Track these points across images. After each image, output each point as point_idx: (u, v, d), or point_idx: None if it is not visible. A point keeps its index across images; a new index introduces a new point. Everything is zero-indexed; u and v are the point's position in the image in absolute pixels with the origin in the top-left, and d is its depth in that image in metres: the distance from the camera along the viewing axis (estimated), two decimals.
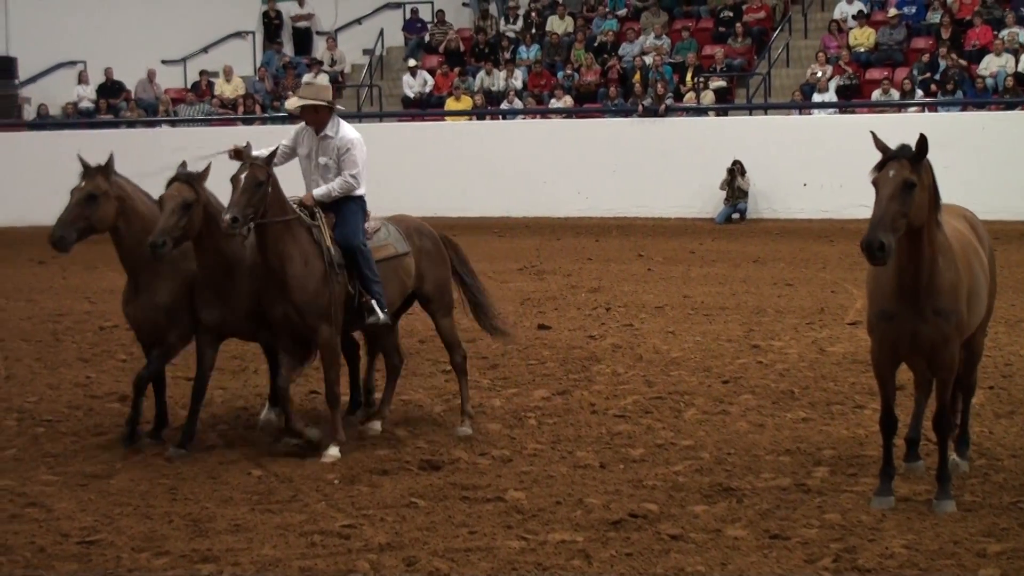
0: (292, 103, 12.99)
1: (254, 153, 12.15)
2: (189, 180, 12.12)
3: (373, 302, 12.46)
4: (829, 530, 9.92)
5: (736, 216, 31.65)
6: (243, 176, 11.77)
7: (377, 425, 13.12)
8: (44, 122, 36.89)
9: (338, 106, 12.91)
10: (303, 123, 12.81)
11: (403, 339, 17.47)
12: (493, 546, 9.67)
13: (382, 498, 10.95)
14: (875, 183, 9.88)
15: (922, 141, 9.90)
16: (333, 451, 12.22)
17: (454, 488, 11.15)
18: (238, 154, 12.26)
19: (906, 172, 9.79)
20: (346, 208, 12.58)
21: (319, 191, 12.49)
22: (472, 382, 15.18)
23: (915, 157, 9.85)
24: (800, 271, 23.41)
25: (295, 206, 12.27)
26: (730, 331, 17.96)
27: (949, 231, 10.37)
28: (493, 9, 39.63)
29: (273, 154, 12.21)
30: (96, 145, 34.08)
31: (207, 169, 12.45)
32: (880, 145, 10.04)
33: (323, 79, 12.75)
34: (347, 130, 12.74)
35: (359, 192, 12.71)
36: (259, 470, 11.83)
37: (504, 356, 16.63)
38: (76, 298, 22.29)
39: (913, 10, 34.64)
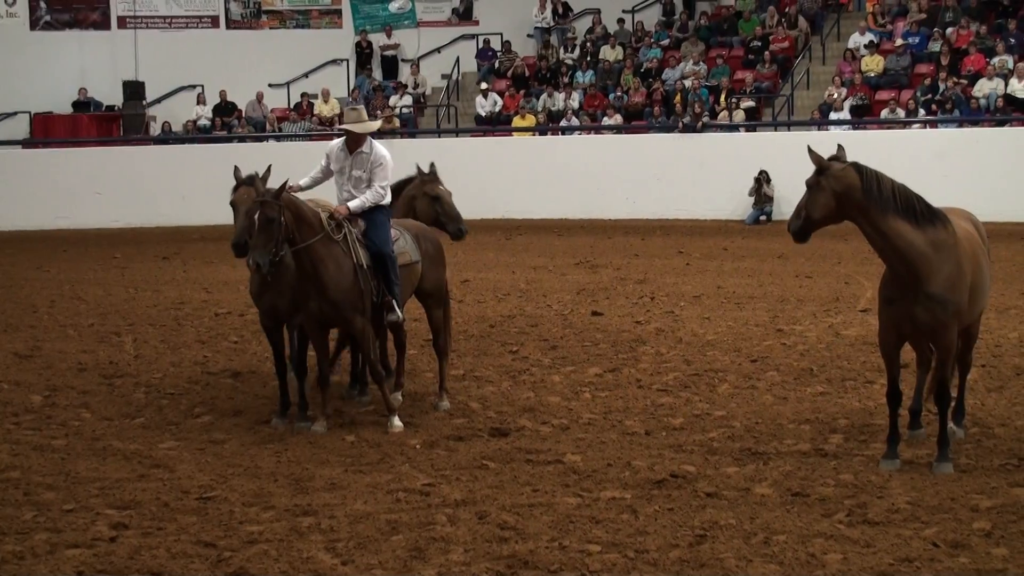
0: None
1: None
2: (252, 183, 12.14)
3: (394, 302, 12.37)
4: (843, 488, 9.88)
5: (763, 218, 31.45)
6: (256, 216, 11.47)
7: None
8: (167, 137, 37.05)
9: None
10: (335, 144, 12.68)
11: (474, 324, 17.57)
12: (553, 502, 9.68)
13: (457, 461, 10.97)
14: None
15: (810, 152, 10.43)
16: (396, 421, 12.17)
17: (519, 452, 11.16)
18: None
19: (808, 178, 10.32)
20: (377, 218, 12.41)
21: (354, 203, 12.25)
22: (534, 360, 15.23)
23: (817, 170, 10.29)
24: (818, 265, 23.25)
25: (324, 216, 12.05)
26: (758, 317, 17.87)
27: (961, 232, 10.34)
28: (554, 40, 39.48)
29: (283, 187, 11.65)
30: (212, 157, 34.63)
31: (268, 171, 12.56)
32: (813, 156, 10.42)
33: (362, 110, 12.62)
34: (379, 147, 12.63)
35: (386, 202, 12.57)
36: (352, 436, 11.87)
37: (563, 339, 16.60)
38: (195, 289, 22.40)
39: (917, 40, 34.35)
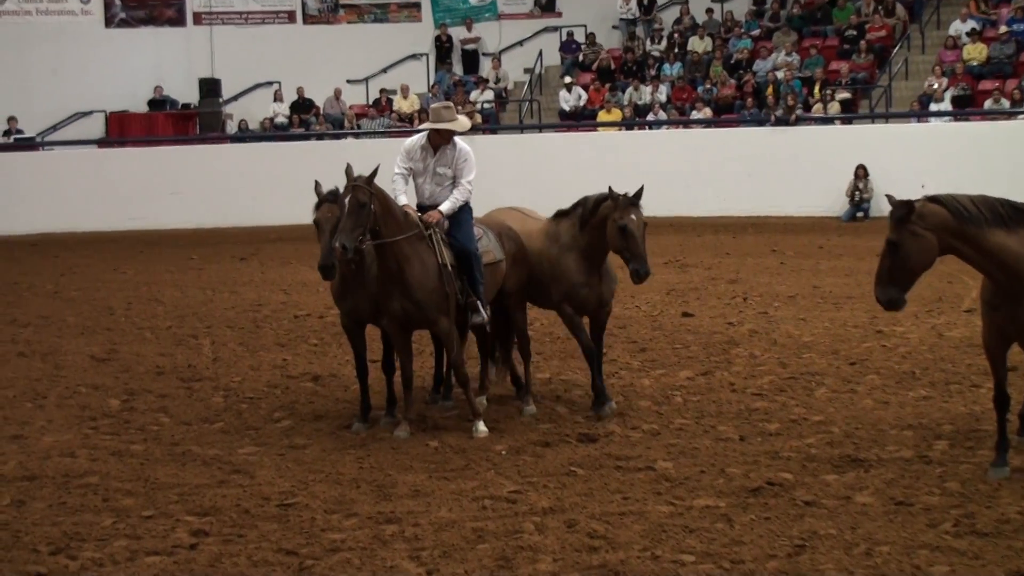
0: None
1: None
2: (336, 199, 12.11)
3: (478, 303, 12.35)
4: (949, 497, 9.75)
5: (860, 215, 31.20)
6: (346, 200, 11.54)
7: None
8: (244, 135, 37.35)
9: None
10: (413, 141, 12.65)
11: (559, 325, 17.50)
12: (644, 510, 9.64)
13: (545, 467, 10.94)
14: None
15: (892, 202, 10.00)
16: (481, 426, 12.19)
17: (609, 458, 11.12)
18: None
19: (890, 233, 9.94)
20: (460, 215, 12.44)
21: (446, 206, 12.29)
22: (623, 363, 15.17)
23: (900, 217, 9.87)
24: None
25: (415, 215, 12.14)
26: (856, 318, 17.71)
27: None
28: (640, 31, 39.39)
29: (374, 173, 11.75)
30: (289, 155, 34.89)
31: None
32: (891, 201, 10.07)
33: (452, 107, 12.49)
34: (462, 142, 12.65)
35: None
36: (435, 441, 11.88)
37: (652, 340, 16.56)
38: (273, 290, 22.56)
39: (1022, 27, 33.91)
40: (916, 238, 9.84)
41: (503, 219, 13.48)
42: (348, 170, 11.89)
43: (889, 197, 10.17)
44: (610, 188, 12.65)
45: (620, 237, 12.36)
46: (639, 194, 12.52)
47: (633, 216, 12.39)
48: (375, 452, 11.60)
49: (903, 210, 9.85)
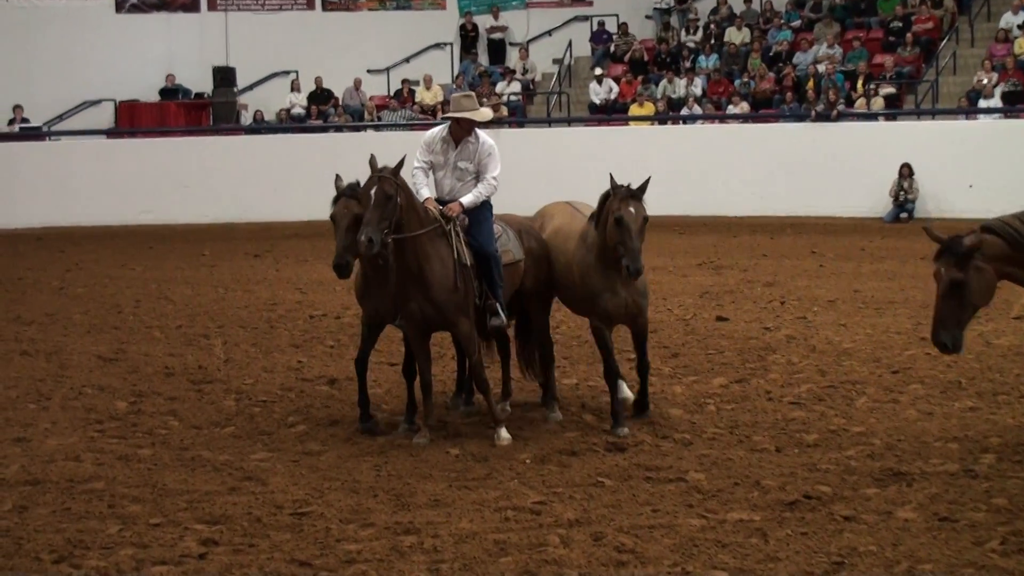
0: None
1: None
2: (355, 194, 12.11)
3: (497, 305, 12.35)
4: (996, 514, 9.70)
5: (904, 216, 31.13)
6: (372, 192, 11.52)
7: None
8: (260, 127, 37.45)
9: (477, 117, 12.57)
10: (433, 133, 12.64)
11: (587, 329, 17.49)
12: (675, 524, 9.62)
13: (571, 477, 10.94)
14: (934, 276, 10.09)
15: (939, 238, 10.03)
16: (504, 433, 12.16)
17: (638, 469, 11.11)
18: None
19: (952, 272, 9.92)
20: (479, 214, 12.41)
21: (467, 199, 12.27)
22: (654, 370, 15.08)
23: (962, 254, 9.86)
24: None
25: (435, 212, 12.11)
26: (899, 324, 17.65)
27: None
28: (674, 21, 39.40)
29: (400, 164, 11.79)
30: (306, 148, 34.91)
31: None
32: (933, 236, 10.10)
33: (474, 96, 12.43)
34: (485, 135, 12.62)
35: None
36: (456, 449, 11.88)
37: (684, 346, 16.53)
38: (288, 289, 22.59)
39: None
40: (980, 273, 9.86)
41: (553, 213, 13.47)
42: (372, 161, 11.87)
43: (928, 231, 10.14)
44: (611, 177, 12.40)
45: (615, 229, 12.02)
46: (643, 187, 12.26)
47: (631, 208, 12.06)
48: (393, 460, 11.60)
49: (967, 246, 9.82)
